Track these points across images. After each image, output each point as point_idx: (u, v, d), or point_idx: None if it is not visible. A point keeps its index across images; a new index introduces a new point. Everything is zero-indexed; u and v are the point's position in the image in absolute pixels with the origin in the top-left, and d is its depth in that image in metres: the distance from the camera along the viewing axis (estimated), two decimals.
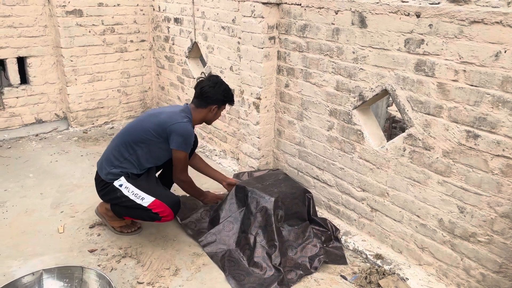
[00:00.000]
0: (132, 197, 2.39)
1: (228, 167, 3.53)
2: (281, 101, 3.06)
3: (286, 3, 2.83)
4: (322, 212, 2.88)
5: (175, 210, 2.44)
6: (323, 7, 2.59)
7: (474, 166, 2.01)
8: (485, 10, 1.83)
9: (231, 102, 2.63)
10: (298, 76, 2.87)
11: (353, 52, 2.46)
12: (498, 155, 1.90)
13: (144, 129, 2.43)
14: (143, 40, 4.37)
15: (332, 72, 2.62)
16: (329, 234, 2.61)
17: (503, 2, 1.78)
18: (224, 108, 2.67)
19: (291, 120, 3.02)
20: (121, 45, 4.24)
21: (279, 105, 3.09)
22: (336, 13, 2.51)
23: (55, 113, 4.18)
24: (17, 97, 3.92)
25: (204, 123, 2.67)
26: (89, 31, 4.00)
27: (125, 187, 2.41)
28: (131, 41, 4.29)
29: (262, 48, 2.92)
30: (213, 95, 2.51)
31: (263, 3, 2.82)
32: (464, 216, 2.09)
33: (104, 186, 2.48)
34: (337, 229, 2.66)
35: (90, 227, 2.65)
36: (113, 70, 4.26)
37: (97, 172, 2.56)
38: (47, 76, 4.02)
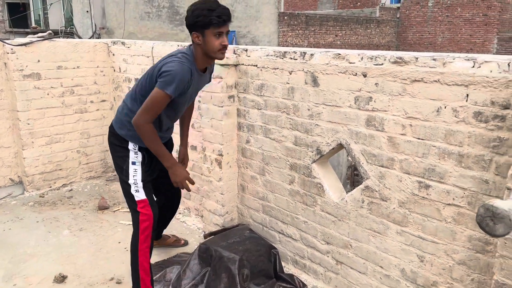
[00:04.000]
0: (131, 179, 2.35)
1: (193, 225, 3.46)
2: (243, 156, 3.10)
3: (243, 64, 2.96)
4: (288, 268, 2.84)
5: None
6: (278, 68, 2.72)
7: (429, 215, 2.08)
8: (424, 70, 2.00)
9: (214, 18, 2.08)
10: (258, 132, 2.95)
11: (308, 109, 2.57)
12: (449, 204, 2.00)
13: (146, 75, 2.24)
14: (103, 100, 4.38)
15: (290, 128, 2.71)
16: None
17: (438, 63, 1.95)
18: (216, 33, 2.13)
19: (253, 175, 3.04)
20: (81, 106, 4.22)
21: (241, 160, 3.12)
22: (290, 73, 2.64)
23: (9, 178, 4.02)
24: None
25: (211, 58, 2.24)
26: (48, 94, 3.97)
27: (134, 169, 2.35)
28: (92, 101, 4.28)
29: (222, 107, 3.00)
30: (187, 19, 2.16)
31: (221, 65, 2.93)
32: (424, 265, 2.13)
33: (120, 148, 2.37)
34: (304, 285, 2.63)
35: None
36: (73, 131, 4.20)
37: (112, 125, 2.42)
38: (1, 140, 3.90)
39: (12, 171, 4.02)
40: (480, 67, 1.82)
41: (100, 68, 4.29)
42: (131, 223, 3.39)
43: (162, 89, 2.08)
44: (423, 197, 2.09)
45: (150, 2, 12.05)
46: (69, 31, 5.44)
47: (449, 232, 2.02)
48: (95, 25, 8.21)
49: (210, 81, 2.55)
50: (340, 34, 18.98)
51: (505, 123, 1.77)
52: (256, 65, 2.86)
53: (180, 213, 3.67)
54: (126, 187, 2.39)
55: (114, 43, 4.28)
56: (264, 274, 2.56)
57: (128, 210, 3.48)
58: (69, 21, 12.86)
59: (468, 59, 1.87)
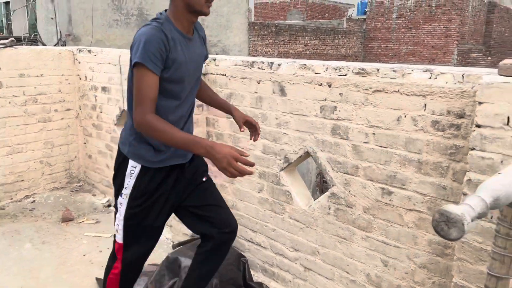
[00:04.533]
0: (117, 216, 1.91)
1: (161, 236, 3.41)
2: (213, 165, 3.10)
3: (211, 73, 2.98)
4: (258, 276, 2.85)
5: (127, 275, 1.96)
6: (246, 77, 2.75)
7: (391, 221, 2.15)
8: (385, 81, 2.08)
9: None
10: (227, 141, 2.96)
11: (276, 118, 2.61)
12: (410, 210, 2.07)
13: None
14: (68, 109, 4.27)
15: (260, 137, 2.73)
16: None
17: (398, 74, 2.04)
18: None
19: (223, 184, 3.05)
20: (45, 115, 4.10)
21: (211, 169, 3.11)
22: (258, 83, 2.68)
23: None
24: None
25: (195, 13, 1.77)
26: (9, 103, 3.84)
27: (119, 202, 1.89)
28: (56, 110, 4.17)
29: None
30: None
31: None
32: (388, 269, 2.20)
33: (119, 165, 1.92)
34: None
35: None
36: (36, 141, 4.07)
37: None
38: None
39: None
40: (436, 78, 1.92)
41: (65, 76, 4.19)
42: (96, 234, 3.33)
43: (137, 66, 1.63)
44: (386, 203, 2.16)
45: (118, 9, 11.86)
46: (33, 38, 5.30)
47: (411, 237, 2.09)
48: (60, 32, 8.01)
49: (207, 52, 2.06)
50: (309, 44, 19.35)
51: (460, 132, 1.87)
52: (225, 75, 2.89)
53: None
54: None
55: (80, 50, 4.20)
56: (233, 283, 2.55)
57: (95, 220, 3.41)
58: (34, 28, 12.49)
59: (425, 71, 1.96)
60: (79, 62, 4.20)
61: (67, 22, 10.20)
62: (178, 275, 2.48)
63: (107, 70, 3.88)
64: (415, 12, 21.71)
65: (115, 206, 1.95)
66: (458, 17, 20.39)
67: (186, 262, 2.48)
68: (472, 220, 1.18)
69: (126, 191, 1.87)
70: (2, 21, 16.02)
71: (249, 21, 16.64)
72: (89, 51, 4.10)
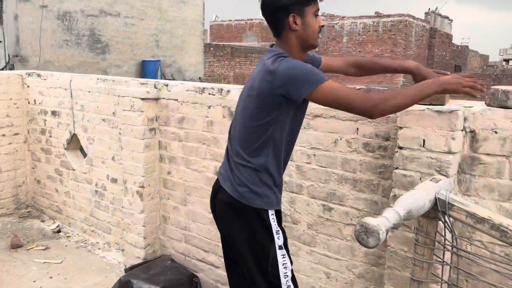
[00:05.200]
0: (280, 266, 1.68)
1: (113, 260, 3.41)
2: (165, 187, 3.17)
3: (163, 98, 3.08)
4: None
5: None
6: (197, 102, 2.88)
7: (332, 235, 2.33)
8: (322, 107, 2.28)
9: (305, 3, 1.66)
10: (179, 164, 3.05)
11: (226, 141, 2.74)
12: (348, 224, 2.26)
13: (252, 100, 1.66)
14: (16, 134, 4.19)
15: (211, 158, 2.86)
16: None
17: None
18: (316, 12, 1.70)
19: (176, 206, 3.12)
20: None
21: (163, 191, 3.19)
22: (209, 108, 2.82)
23: None
24: None
25: (308, 48, 1.75)
26: None
27: (282, 255, 1.70)
28: (3, 135, 4.08)
29: (143, 139, 3.07)
30: (278, 1, 1.65)
31: (142, 99, 3.03)
32: (330, 280, 2.36)
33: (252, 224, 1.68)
34: None
35: None
36: None
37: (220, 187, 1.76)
38: None
39: None
40: None
41: (14, 100, 4.13)
42: (47, 260, 3.29)
43: (320, 87, 1.55)
44: (327, 218, 2.34)
45: (69, 30, 11.71)
46: None
47: (349, 249, 2.28)
48: (9, 55, 7.79)
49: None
50: None
51: (387, 152, 2.09)
52: (177, 99, 3.00)
53: (99, 249, 3.59)
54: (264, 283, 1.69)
55: (29, 74, 4.16)
56: None
57: (44, 247, 3.37)
58: None
59: None
60: (28, 86, 4.16)
61: (15, 42, 9.94)
62: None
63: (57, 94, 3.87)
64: (363, 36, 22.92)
65: (267, 262, 1.70)
66: (403, 41, 21.77)
67: (138, 284, 2.52)
68: (387, 230, 1.37)
69: (280, 241, 1.73)
70: None
71: (205, 43, 16.90)
72: (38, 75, 4.08)
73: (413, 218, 1.53)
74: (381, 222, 1.35)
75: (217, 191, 1.83)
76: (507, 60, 41.16)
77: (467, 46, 29.45)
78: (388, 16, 22.07)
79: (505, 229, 1.44)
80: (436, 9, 24.75)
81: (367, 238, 1.34)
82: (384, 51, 22.38)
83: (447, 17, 25.91)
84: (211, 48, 17.31)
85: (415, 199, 1.51)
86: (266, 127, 1.66)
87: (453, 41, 26.72)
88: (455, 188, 1.89)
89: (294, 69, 1.58)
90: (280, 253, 1.73)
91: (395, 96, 1.55)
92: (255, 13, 27.83)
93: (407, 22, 21.65)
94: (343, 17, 23.24)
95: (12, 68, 6.41)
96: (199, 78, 16.34)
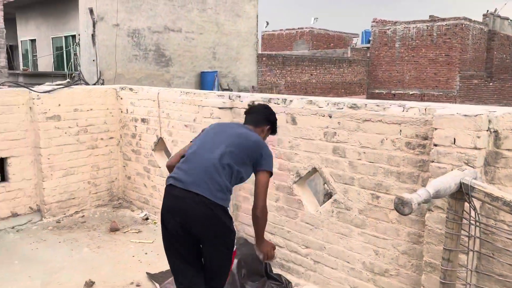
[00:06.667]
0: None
1: None
2: None
3: (236, 107, 3.72)
4: (276, 271, 3.49)
5: None
6: None
7: (380, 219, 2.82)
8: (371, 113, 2.79)
9: (275, 129, 2.74)
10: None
11: (289, 142, 3.32)
12: (393, 209, 2.73)
13: (243, 148, 2.38)
14: (111, 137, 5.04)
15: (275, 156, 3.43)
16: (284, 287, 3.22)
17: (380, 108, 2.76)
18: (268, 135, 2.71)
19: (246, 196, 3.73)
20: (93, 143, 4.86)
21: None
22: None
23: (29, 206, 4.57)
24: None
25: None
26: (65, 132, 4.62)
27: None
28: (101, 138, 4.94)
29: None
30: (269, 115, 2.67)
31: (220, 108, 3.68)
32: (378, 257, 2.84)
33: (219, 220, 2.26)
34: (289, 282, 3.28)
35: None
36: (85, 165, 4.82)
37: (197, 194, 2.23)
38: (24, 173, 4.49)
39: (32, 200, 4.58)
40: (407, 111, 2.63)
41: (110, 110, 4.98)
42: (141, 240, 4.02)
43: (268, 172, 2.43)
44: (375, 205, 2.83)
45: (137, 45, 12.92)
46: (71, 75, 6.12)
47: (394, 230, 2.75)
48: (100, 72, 8.94)
49: None
50: (315, 73, 20.23)
51: (425, 149, 2.56)
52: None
53: None
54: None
55: (122, 88, 5.01)
56: (257, 273, 3.20)
57: (137, 230, 4.10)
58: (58, 61, 13.56)
59: (400, 105, 2.68)
60: (121, 98, 5.00)
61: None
62: None
63: (146, 104, 4.66)
64: (417, 41, 22.63)
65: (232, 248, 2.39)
66: (459, 45, 21.24)
67: None
68: (419, 203, 1.86)
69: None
70: (28, 56, 17.17)
71: (258, 53, 17.66)
72: (130, 89, 4.91)
73: (442, 196, 2.01)
74: (413, 196, 1.85)
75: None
76: None
77: None
78: (443, 19, 21.67)
79: None
80: (495, 10, 23.85)
81: (403, 208, 1.84)
82: (438, 55, 21.97)
83: (507, 18, 24.86)
84: (264, 58, 18.02)
85: (442, 182, 1.99)
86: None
87: None
88: (482, 178, 2.32)
89: (264, 145, 2.50)
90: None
91: (263, 217, 2.45)
92: (306, 22, 28.26)
93: (463, 25, 21.13)
94: (396, 22, 23.11)
95: (102, 83, 7.42)
96: (252, 87, 17.13)
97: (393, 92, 22.98)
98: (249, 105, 3.13)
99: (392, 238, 2.77)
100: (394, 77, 23.67)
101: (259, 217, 2.42)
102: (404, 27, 22.88)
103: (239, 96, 3.71)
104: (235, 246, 2.40)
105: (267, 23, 31.38)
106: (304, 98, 3.24)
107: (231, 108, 3.74)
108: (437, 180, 2.01)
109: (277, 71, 18.48)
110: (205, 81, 14.63)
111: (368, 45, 24.86)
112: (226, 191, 2.31)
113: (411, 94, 22.49)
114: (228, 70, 15.99)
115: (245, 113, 2.76)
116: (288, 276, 3.40)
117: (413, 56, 22.85)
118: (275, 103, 3.40)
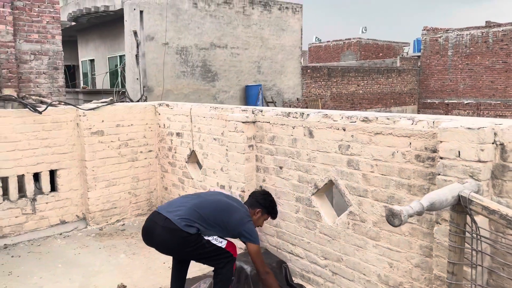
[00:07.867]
0: (214, 241, 2.91)
1: None
2: None
3: (259, 121, 3.88)
4: (297, 281, 3.56)
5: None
6: (284, 124, 3.61)
7: (393, 231, 2.82)
8: (382, 126, 2.83)
9: (273, 214, 3.31)
10: (271, 173, 3.80)
11: (307, 154, 3.41)
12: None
13: (219, 220, 2.95)
14: (150, 151, 5.39)
15: (295, 169, 3.55)
16: None
17: (390, 121, 2.79)
18: (267, 219, 3.31)
19: None
20: (133, 156, 5.23)
21: None
22: (293, 128, 3.52)
23: (75, 215, 4.99)
24: (46, 203, 4.76)
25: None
26: (108, 146, 5.02)
27: (209, 236, 2.92)
28: (141, 152, 5.30)
29: (244, 154, 3.89)
30: (260, 200, 3.23)
31: (243, 122, 3.86)
32: (393, 269, 2.84)
33: (192, 241, 2.87)
34: None
35: None
36: (126, 176, 5.19)
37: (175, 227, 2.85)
38: (71, 184, 4.92)
39: (78, 209, 5.00)
40: (416, 124, 2.64)
41: (149, 125, 5.34)
42: None
43: (258, 243, 3.02)
44: None
45: (185, 62, 13.56)
46: (120, 92, 6.62)
47: (407, 243, 2.74)
48: (143, 89, 9.54)
49: None
50: (362, 83, 19.95)
51: (434, 162, 2.55)
52: (269, 122, 3.77)
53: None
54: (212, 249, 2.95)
55: (160, 104, 5.36)
56: None
57: None
58: (112, 79, 14.54)
59: (409, 119, 2.70)
60: (159, 114, 5.34)
61: (143, 76, 11.94)
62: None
63: (180, 119, 4.95)
64: (471, 48, 21.63)
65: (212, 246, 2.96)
66: None
67: (239, 264, 3.27)
68: (410, 215, 1.90)
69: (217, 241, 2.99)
70: (87, 75, 18.54)
71: (302, 66, 17.78)
72: (167, 105, 5.24)
73: (438, 209, 2.03)
74: (404, 208, 1.89)
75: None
76: None
77: None
78: (499, 25, 20.57)
79: (510, 218, 1.86)
80: None
81: (393, 219, 1.89)
82: (495, 62, 20.84)
83: None
84: (308, 70, 18.09)
85: (438, 194, 2.00)
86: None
87: None
88: (490, 191, 2.29)
89: (250, 223, 3.06)
90: None
91: (273, 279, 3.00)
92: (354, 33, 27.97)
93: None
94: (448, 29, 22.25)
95: (145, 100, 7.92)
96: (297, 99, 17.25)
97: (446, 101, 22.07)
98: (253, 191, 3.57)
99: (405, 251, 2.76)
100: (447, 86, 22.72)
101: (264, 278, 2.98)
102: (457, 34, 21.97)
103: (261, 111, 3.86)
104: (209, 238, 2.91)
105: (319, 40, 31.39)
106: (321, 112, 3.33)
107: (254, 122, 3.90)
108: (433, 192, 2.03)
109: (322, 82, 18.45)
110: (250, 94, 14.98)
111: (419, 54, 24.12)
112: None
113: (466, 103, 21.45)
114: (272, 83, 16.25)
115: (249, 196, 3.38)
116: (309, 287, 3.46)
117: (467, 64, 21.84)
118: (293, 117, 3.52)
